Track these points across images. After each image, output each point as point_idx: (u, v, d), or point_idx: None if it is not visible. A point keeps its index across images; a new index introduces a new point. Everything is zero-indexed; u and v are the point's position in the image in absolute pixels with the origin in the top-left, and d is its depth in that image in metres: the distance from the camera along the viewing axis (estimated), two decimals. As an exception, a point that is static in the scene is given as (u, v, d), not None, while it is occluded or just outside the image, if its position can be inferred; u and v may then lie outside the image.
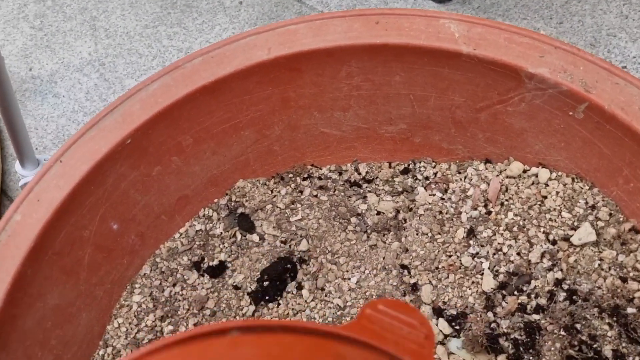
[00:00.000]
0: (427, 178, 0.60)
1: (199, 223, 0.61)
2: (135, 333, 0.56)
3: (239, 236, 0.60)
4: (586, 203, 0.52)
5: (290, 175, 0.63)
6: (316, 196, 0.61)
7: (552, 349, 0.49)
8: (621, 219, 0.51)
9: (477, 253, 0.55)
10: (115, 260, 0.55)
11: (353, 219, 0.60)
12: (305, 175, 0.62)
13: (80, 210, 0.49)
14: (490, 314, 0.52)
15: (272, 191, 0.62)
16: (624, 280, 0.50)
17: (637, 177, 0.48)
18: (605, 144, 0.49)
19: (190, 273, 0.58)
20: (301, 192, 0.62)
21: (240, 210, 0.61)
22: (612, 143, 0.48)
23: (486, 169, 0.58)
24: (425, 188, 0.60)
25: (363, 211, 0.60)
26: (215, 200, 0.61)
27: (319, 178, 0.62)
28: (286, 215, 0.60)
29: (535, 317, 0.50)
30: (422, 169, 0.61)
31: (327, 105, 0.58)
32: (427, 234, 0.57)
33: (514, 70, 0.50)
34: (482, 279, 0.54)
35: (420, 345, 0.26)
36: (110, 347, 0.55)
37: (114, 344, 0.55)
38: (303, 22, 0.54)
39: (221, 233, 0.60)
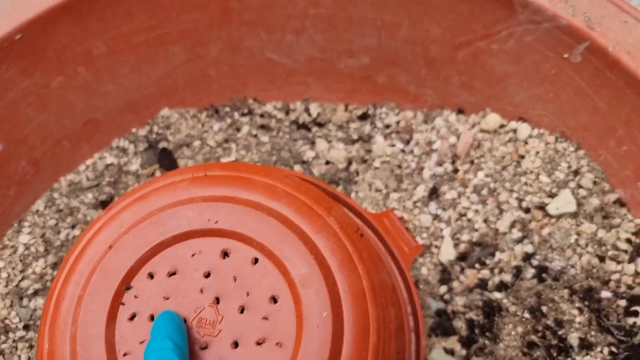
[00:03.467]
0: (387, 126, 0.51)
1: (111, 155, 0.50)
2: (19, 281, 0.45)
3: (158, 175, 0.50)
4: (569, 167, 0.45)
5: (227, 108, 0.52)
6: (255, 136, 0.51)
7: (513, 333, 0.41)
8: (606, 189, 0.44)
9: (438, 216, 0.47)
10: (-3, 190, 0.45)
11: (297, 167, 0.50)
12: (246, 111, 0.52)
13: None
14: (444, 288, 0.44)
15: (203, 125, 0.51)
16: (601, 259, 0.42)
17: (633, 138, 0.40)
18: (602, 95, 0.41)
19: (95, 213, 0.48)
20: (238, 129, 0.52)
21: (162, 144, 0.50)
22: (610, 95, 0.40)
23: (457, 120, 0.50)
24: (384, 137, 0.51)
25: (310, 159, 0.51)
26: (134, 130, 0.51)
27: (261, 115, 0.52)
28: (217, 155, 0.50)
29: (497, 295, 0.43)
30: (384, 115, 0.52)
31: (278, 23, 0.47)
32: (381, 190, 0.48)
33: (505, -4, 0.40)
34: (440, 247, 0.45)
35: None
36: (-15, 295, 0.45)
37: (-10, 292, 0.45)
38: None
39: (137, 170, 0.50)
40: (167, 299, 0.31)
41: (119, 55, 0.45)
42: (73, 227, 0.47)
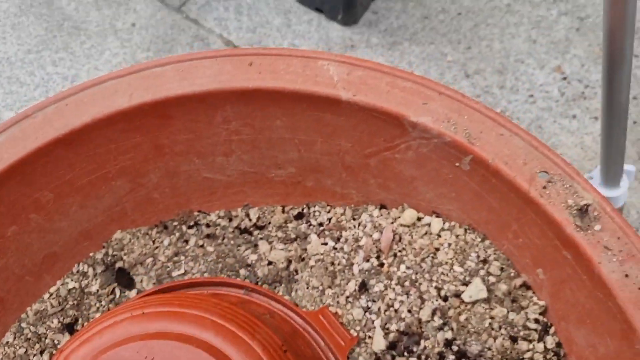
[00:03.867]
0: (321, 224, 0.56)
1: (72, 280, 0.55)
2: (-4, 410, 0.50)
3: (117, 293, 0.55)
4: (478, 257, 0.49)
5: (175, 223, 0.57)
6: (202, 246, 0.56)
7: (439, 418, 0.46)
8: (512, 274, 0.48)
9: (369, 308, 0.51)
10: (-31, 331, 0.50)
11: (242, 271, 0.55)
12: (192, 223, 0.57)
13: None
14: (380, 377, 0.49)
15: (154, 242, 0.56)
16: (514, 340, 0.47)
17: (525, 233, 0.45)
18: (493, 197, 0.46)
19: (62, 337, 0.53)
20: (186, 241, 0.57)
21: (118, 264, 0.55)
22: (499, 197, 0.45)
23: (381, 214, 0.54)
24: (318, 235, 0.56)
25: (253, 262, 0.55)
26: (91, 254, 0.56)
27: (207, 225, 0.57)
28: (168, 269, 0.55)
29: (424, 381, 0.47)
30: (317, 213, 0.57)
31: (207, 150, 0.53)
32: (317, 288, 0.53)
33: (396, 118, 0.46)
34: (372, 337, 0.50)
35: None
36: None
37: None
38: (169, 63, 0.48)
39: (98, 290, 0.55)
40: None
41: (66, 198, 0.50)
42: (42, 352, 0.52)
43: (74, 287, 0.55)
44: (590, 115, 0.67)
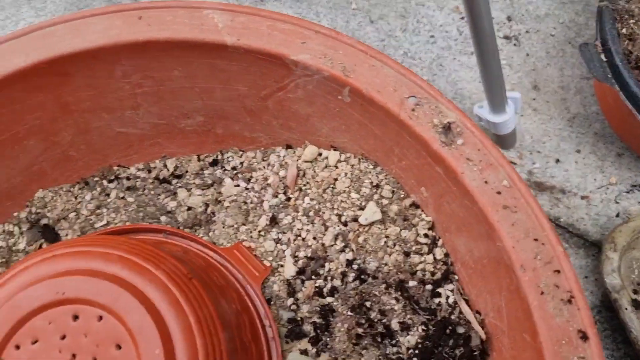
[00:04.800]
0: (234, 168, 0.60)
1: None
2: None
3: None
4: (371, 183, 0.53)
5: (96, 179, 0.60)
6: (123, 198, 0.59)
7: (342, 329, 0.50)
8: (402, 195, 0.52)
9: (280, 239, 0.55)
10: None
11: (163, 218, 0.58)
12: (112, 177, 0.60)
13: None
14: (291, 300, 0.53)
15: (76, 198, 0.59)
16: (407, 254, 0.51)
17: (406, 155, 0.49)
18: (375, 125, 0.49)
19: (-4, 293, 0.56)
20: (108, 195, 0.60)
21: (43, 221, 0.58)
22: (379, 124, 0.49)
23: (287, 154, 0.58)
24: (232, 179, 0.59)
25: (173, 208, 0.59)
26: (15, 214, 0.59)
27: (127, 178, 0.60)
28: (91, 221, 0.58)
29: (329, 299, 0.52)
30: (230, 159, 0.60)
31: (114, 105, 0.55)
32: (232, 226, 0.57)
33: (279, 58, 0.49)
34: (284, 265, 0.54)
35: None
36: None
37: None
38: (61, 22, 0.50)
39: (25, 247, 0.57)
40: (33, 362, 0.39)
41: (-20, 161, 0.53)
42: (-23, 308, 0.55)
43: (1, 246, 0.58)
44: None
